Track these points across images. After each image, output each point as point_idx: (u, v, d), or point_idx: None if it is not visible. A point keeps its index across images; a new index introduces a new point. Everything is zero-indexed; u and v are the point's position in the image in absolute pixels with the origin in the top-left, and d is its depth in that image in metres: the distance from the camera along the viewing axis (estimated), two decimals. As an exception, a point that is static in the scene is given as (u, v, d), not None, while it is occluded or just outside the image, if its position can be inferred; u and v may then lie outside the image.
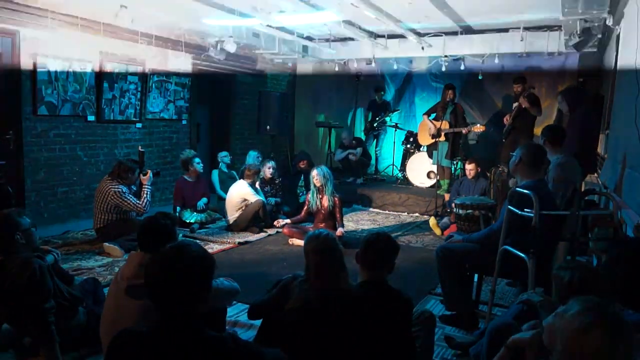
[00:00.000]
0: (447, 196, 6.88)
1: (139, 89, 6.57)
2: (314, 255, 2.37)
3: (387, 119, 8.81)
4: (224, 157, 7.17)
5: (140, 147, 5.53)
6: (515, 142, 6.64)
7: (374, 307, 2.19)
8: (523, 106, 6.49)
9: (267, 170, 6.58)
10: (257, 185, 6.24)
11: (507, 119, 6.81)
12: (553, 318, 1.42)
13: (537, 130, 7.36)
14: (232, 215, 6.00)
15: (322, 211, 5.44)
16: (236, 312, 3.46)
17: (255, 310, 2.64)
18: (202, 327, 1.54)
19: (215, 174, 7.06)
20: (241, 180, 6.13)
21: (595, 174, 5.42)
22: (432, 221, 6.20)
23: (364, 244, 2.33)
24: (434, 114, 7.49)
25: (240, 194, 5.96)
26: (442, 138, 7.22)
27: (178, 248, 1.62)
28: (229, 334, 1.62)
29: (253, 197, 5.93)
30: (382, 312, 2.19)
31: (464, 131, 7.08)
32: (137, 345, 1.52)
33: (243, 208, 5.97)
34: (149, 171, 5.16)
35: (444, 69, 8.23)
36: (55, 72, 5.48)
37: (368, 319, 2.16)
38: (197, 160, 6.28)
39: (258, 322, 2.68)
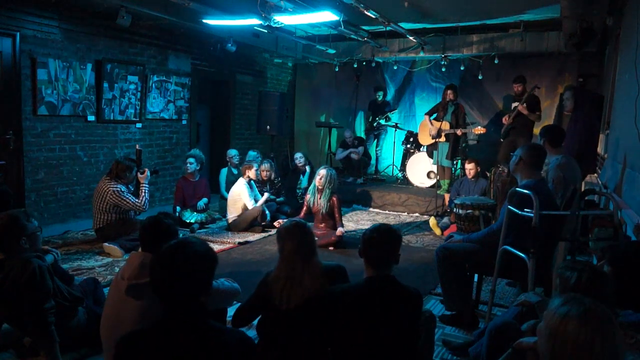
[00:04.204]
0: (447, 196, 6.88)
1: (139, 89, 6.57)
2: (284, 240, 2.44)
3: (382, 121, 8.81)
4: (233, 156, 7.09)
5: (137, 145, 5.53)
6: (514, 142, 6.70)
7: (381, 304, 2.14)
8: (522, 112, 6.58)
9: (263, 173, 6.56)
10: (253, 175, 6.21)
11: (506, 119, 6.85)
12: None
13: (537, 130, 7.43)
14: (232, 214, 6.00)
15: (321, 211, 5.44)
16: (236, 312, 3.46)
17: (237, 318, 2.58)
18: (206, 318, 1.60)
19: (223, 174, 7.02)
20: (240, 179, 6.13)
21: (595, 174, 5.43)
22: (432, 221, 6.20)
23: (365, 240, 2.27)
24: (435, 114, 7.50)
25: (239, 194, 5.96)
26: (443, 139, 7.22)
27: (182, 242, 1.68)
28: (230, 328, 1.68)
29: (250, 203, 5.92)
30: (390, 308, 2.15)
31: (458, 133, 7.08)
32: (143, 343, 1.57)
33: (243, 208, 5.96)
34: (147, 170, 5.16)
35: (443, 69, 8.26)
36: (55, 72, 5.48)
37: (376, 316, 2.12)
38: (190, 160, 6.26)
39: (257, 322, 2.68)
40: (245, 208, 5.99)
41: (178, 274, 1.58)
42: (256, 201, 6.06)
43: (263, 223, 6.05)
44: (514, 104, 6.82)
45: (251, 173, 6.07)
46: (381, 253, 2.23)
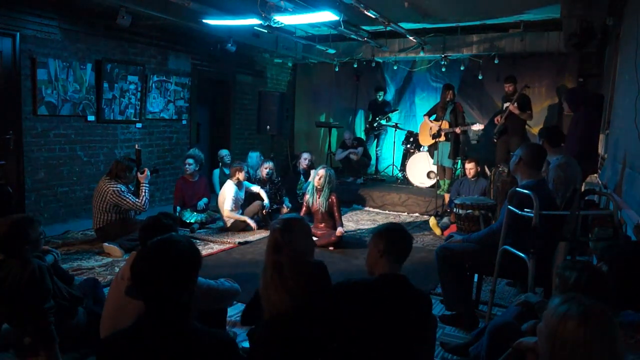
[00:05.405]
0: (447, 196, 6.88)
1: (139, 89, 6.57)
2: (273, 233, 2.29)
3: (383, 121, 8.81)
4: (224, 156, 7.12)
5: (137, 145, 5.53)
6: (507, 142, 6.76)
7: (394, 302, 2.10)
8: (513, 112, 6.62)
9: (264, 170, 6.54)
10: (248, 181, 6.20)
11: (498, 120, 6.90)
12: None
13: (534, 130, 7.45)
14: (227, 216, 5.97)
15: (320, 210, 5.44)
16: (236, 312, 3.45)
17: (246, 316, 2.57)
18: (186, 319, 1.56)
19: (216, 175, 7.01)
20: (229, 180, 6.09)
21: (596, 174, 5.43)
22: (432, 221, 6.20)
23: (391, 235, 2.20)
24: (435, 115, 7.50)
25: (224, 195, 5.94)
26: (443, 138, 7.22)
27: (167, 239, 1.63)
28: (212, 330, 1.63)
29: (228, 206, 5.85)
30: (402, 307, 2.10)
31: (457, 130, 7.08)
32: (123, 342, 1.54)
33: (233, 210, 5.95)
34: (146, 169, 5.16)
35: (443, 69, 8.25)
36: (55, 72, 5.48)
37: (388, 313, 2.07)
38: (188, 160, 6.24)
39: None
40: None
41: (157, 270, 1.53)
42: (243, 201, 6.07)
43: (264, 212, 6.04)
44: (505, 104, 6.89)
45: (241, 175, 6.05)
46: (409, 245, 2.20)
